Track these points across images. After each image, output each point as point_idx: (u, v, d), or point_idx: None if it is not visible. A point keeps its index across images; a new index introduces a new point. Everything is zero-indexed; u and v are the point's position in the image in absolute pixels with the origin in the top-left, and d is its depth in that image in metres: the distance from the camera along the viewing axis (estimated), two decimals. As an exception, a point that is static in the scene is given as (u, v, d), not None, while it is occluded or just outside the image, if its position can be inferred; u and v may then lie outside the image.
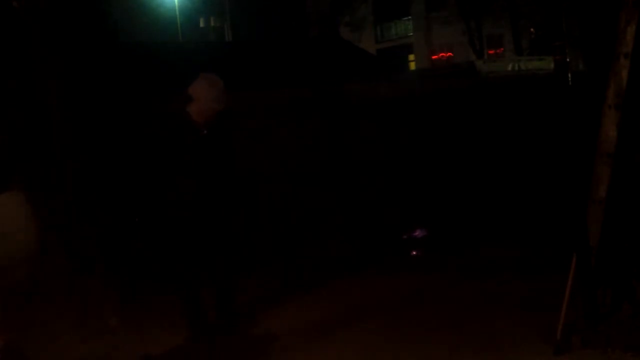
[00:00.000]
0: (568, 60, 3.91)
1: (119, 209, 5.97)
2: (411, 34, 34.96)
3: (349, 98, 7.56)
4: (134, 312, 5.22)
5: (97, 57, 6.06)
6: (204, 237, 4.52)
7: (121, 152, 6.16)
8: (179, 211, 4.48)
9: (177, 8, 31.37)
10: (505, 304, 4.90)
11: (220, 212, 4.54)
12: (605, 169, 3.89)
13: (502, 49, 32.12)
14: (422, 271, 6.12)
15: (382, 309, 5.10)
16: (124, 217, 6.02)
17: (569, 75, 3.93)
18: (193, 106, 4.42)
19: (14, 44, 5.17)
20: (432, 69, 27.53)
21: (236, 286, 4.80)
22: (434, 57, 33.90)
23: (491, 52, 31.73)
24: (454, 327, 4.58)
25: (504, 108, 8.18)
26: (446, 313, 4.90)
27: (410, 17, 34.84)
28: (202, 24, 34.15)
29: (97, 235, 5.29)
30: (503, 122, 8.04)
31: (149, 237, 6.00)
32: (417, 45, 34.60)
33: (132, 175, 6.22)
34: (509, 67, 21.81)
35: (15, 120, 5.07)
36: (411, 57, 35.10)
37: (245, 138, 6.21)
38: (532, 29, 30.14)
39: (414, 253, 6.72)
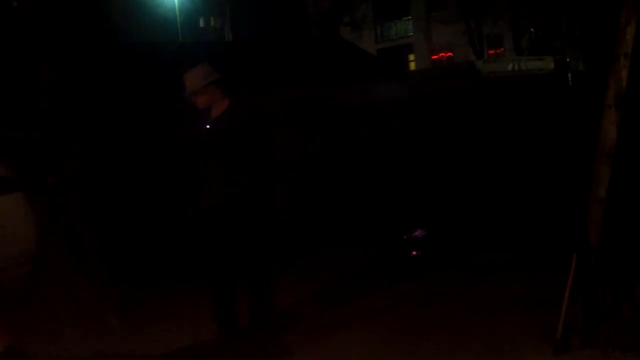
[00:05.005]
0: (568, 60, 3.92)
1: (119, 208, 5.98)
2: (411, 34, 34.92)
3: (349, 98, 7.55)
4: (134, 312, 5.22)
5: (96, 58, 6.07)
6: (228, 233, 4.45)
7: (121, 151, 6.17)
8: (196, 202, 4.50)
9: (177, 8, 31.34)
10: (505, 304, 4.90)
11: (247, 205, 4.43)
12: (605, 169, 3.89)
13: (502, 49, 32.05)
14: (422, 271, 6.11)
15: (381, 309, 5.11)
16: (124, 215, 6.03)
17: (569, 75, 3.93)
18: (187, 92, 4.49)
19: (13, 44, 5.18)
20: (432, 69, 27.49)
21: (271, 287, 4.63)
22: (434, 57, 33.85)
23: (491, 52, 31.67)
24: (454, 327, 4.58)
25: (504, 108, 8.17)
26: (446, 313, 4.90)
27: (410, 17, 34.81)
28: (202, 24, 34.13)
29: (97, 235, 5.28)
30: (503, 122, 8.03)
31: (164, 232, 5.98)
32: (417, 45, 34.57)
33: (132, 173, 6.24)
34: (509, 67, 21.77)
35: (15, 121, 5.07)
36: (411, 57, 35.06)
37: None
38: (532, 29, 30.09)
39: (414, 253, 6.72)
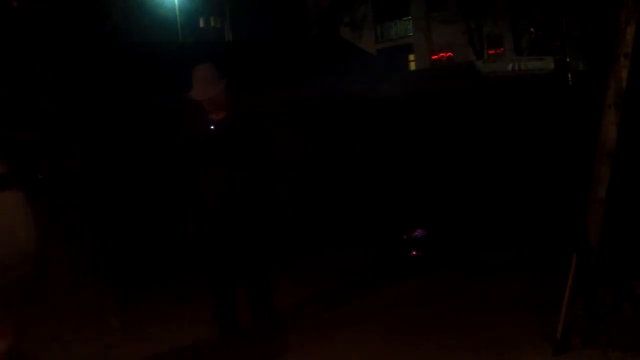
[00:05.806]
0: (568, 60, 3.92)
1: (119, 208, 5.98)
2: (411, 34, 34.96)
3: (349, 99, 7.55)
4: (134, 312, 5.22)
5: (96, 58, 6.06)
6: (231, 230, 4.43)
7: (121, 151, 6.17)
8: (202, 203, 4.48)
9: (177, 8, 31.35)
10: (505, 304, 4.91)
11: (248, 205, 4.42)
12: (605, 169, 3.89)
13: (502, 49, 32.06)
14: (422, 271, 6.11)
15: (381, 309, 5.10)
16: (124, 215, 6.03)
17: (569, 75, 3.93)
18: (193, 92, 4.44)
19: (14, 44, 5.18)
20: (432, 69, 27.49)
21: (271, 287, 4.62)
22: (434, 57, 33.87)
23: (491, 52, 31.67)
24: (454, 327, 4.58)
25: (504, 108, 8.17)
26: (446, 313, 4.90)
27: (410, 17, 34.84)
28: (202, 24, 34.15)
29: (97, 235, 5.28)
30: (503, 122, 8.03)
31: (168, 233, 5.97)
32: (417, 45, 34.60)
33: (132, 173, 6.24)
34: (509, 67, 21.76)
35: (15, 121, 5.07)
36: (411, 57, 35.09)
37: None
38: (532, 29, 30.10)
39: (414, 253, 6.72)
